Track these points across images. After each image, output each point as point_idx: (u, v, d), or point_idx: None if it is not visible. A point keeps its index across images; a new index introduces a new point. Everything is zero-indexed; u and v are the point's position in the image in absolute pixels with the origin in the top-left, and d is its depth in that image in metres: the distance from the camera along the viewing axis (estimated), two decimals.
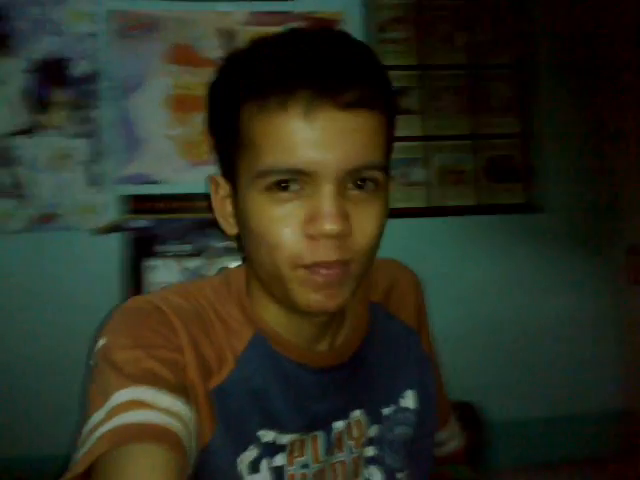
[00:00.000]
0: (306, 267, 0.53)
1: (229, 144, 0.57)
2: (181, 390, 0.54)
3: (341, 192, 0.53)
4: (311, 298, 0.55)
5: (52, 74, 1.81)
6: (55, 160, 1.80)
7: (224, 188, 0.60)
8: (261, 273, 0.58)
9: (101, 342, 0.56)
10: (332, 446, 0.65)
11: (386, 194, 0.57)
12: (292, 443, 0.61)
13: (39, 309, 1.75)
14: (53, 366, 1.71)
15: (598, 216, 2.04)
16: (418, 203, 1.94)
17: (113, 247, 1.80)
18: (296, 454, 0.62)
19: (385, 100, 0.56)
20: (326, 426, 0.64)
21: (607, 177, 2.04)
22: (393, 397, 0.70)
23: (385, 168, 0.56)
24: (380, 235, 0.56)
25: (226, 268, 0.67)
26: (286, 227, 0.53)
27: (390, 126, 0.58)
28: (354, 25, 1.92)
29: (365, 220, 0.54)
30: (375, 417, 0.68)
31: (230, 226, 0.61)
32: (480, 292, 1.96)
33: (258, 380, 0.61)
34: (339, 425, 0.65)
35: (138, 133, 1.84)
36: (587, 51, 2.04)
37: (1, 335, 1.75)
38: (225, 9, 1.90)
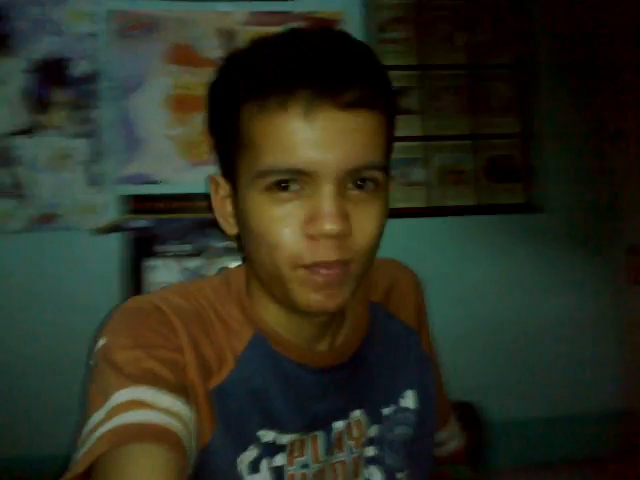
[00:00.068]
0: (306, 267, 0.54)
1: (229, 144, 0.57)
2: (181, 390, 0.54)
3: (341, 192, 0.53)
4: (311, 298, 0.55)
5: (52, 74, 1.81)
6: (55, 160, 1.80)
7: (224, 188, 0.60)
8: (261, 273, 0.58)
9: (101, 342, 0.56)
10: (332, 446, 0.65)
11: (386, 194, 0.57)
12: (292, 443, 0.61)
13: (39, 309, 1.75)
14: (53, 366, 1.71)
15: (598, 216, 2.04)
16: (418, 203, 1.94)
17: (113, 247, 1.80)
18: (296, 454, 0.62)
19: (385, 100, 0.56)
20: (326, 426, 0.64)
21: (607, 177, 2.04)
22: (393, 397, 0.70)
23: (385, 168, 0.56)
24: (380, 235, 0.56)
25: (226, 268, 0.67)
26: (286, 227, 0.53)
27: (390, 126, 0.58)
28: (354, 25, 1.92)
29: (365, 220, 0.54)
30: (375, 417, 0.68)
31: (230, 226, 0.61)
32: (480, 292, 1.96)
33: (258, 380, 0.61)
34: (339, 425, 0.65)
35: (138, 133, 1.84)
36: (587, 51, 2.04)
37: (1, 335, 1.75)
38: (225, 9, 1.90)
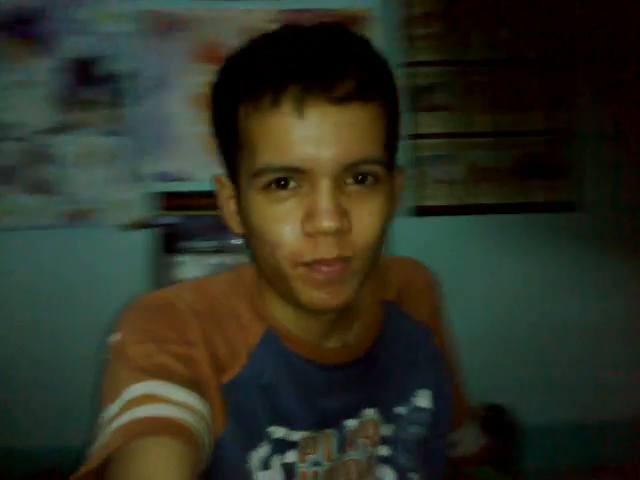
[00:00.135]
0: (306, 265, 0.53)
1: (230, 144, 0.57)
2: (195, 384, 0.54)
3: (339, 188, 0.52)
4: (313, 296, 0.55)
5: (84, 73, 1.84)
6: (87, 157, 1.84)
7: (228, 188, 0.61)
8: (265, 271, 0.58)
9: (114, 337, 0.57)
10: (345, 444, 0.64)
11: (388, 188, 0.56)
12: (304, 440, 0.61)
13: (70, 302, 1.79)
14: (85, 358, 1.74)
15: (635, 215, 1.97)
16: (447, 201, 1.90)
17: (143, 243, 1.82)
18: (308, 451, 0.62)
19: (383, 91, 0.55)
20: (338, 424, 0.64)
21: None
22: (407, 396, 0.70)
23: (385, 162, 0.55)
24: (383, 230, 0.55)
25: (239, 265, 0.67)
26: (285, 225, 0.53)
27: (391, 118, 0.57)
28: (383, 21, 1.90)
29: (365, 216, 0.54)
30: (388, 416, 0.67)
31: (236, 225, 0.61)
32: (511, 292, 1.92)
33: (269, 376, 0.61)
34: (351, 423, 0.65)
35: (168, 131, 1.86)
36: (625, 44, 1.97)
37: (33, 328, 1.79)
38: (253, 7, 1.90)
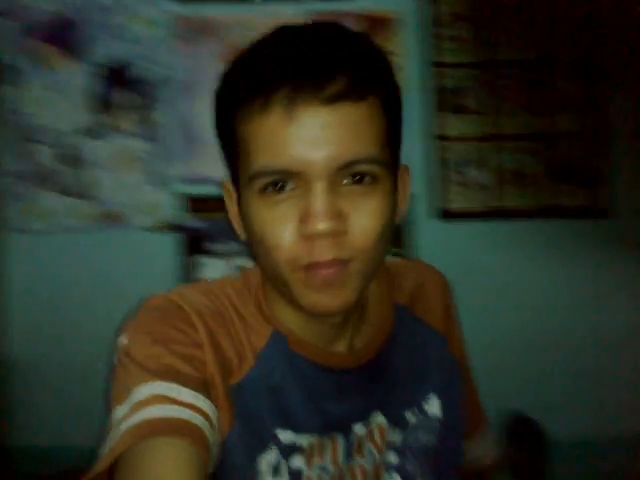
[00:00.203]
0: (304, 268, 0.53)
1: (230, 149, 0.57)
2: (203, 385, 0.55)
3: (335, 189, 0.51)
4: (313, 299, 0.54)
5: (116, 77, 1.88)
6: (118, 160, 1.88)
7: (232, 193, 0.61)
8: (267, 275, 0.58)
9: (122, 339, 0.58)
10: (352, 450, 0.63)
11: (389, 187, 0.55)
12: (311, 445, 0.61)
13: (99, 303, 1.83)
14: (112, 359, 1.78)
15: None
16: (475, 205, 1.87)
17: (171, 245, 1.85)
18: (315, 457, 0.61)
19: (380, 88, 0.54)
20: (345, 429, 0.63)
21: None
22: (417, 402, 0.68)
23: (384, 160, 0.54)
24: (384, 231, 0.54)
25: (247, 268, 0.67)
26: (282, 229, 0.52)
27: (390, 114, 0.56)
28: (412, 23, 1.89)
29: (363, 216, 0.52)
30: (397, 422, 0.66)
31: (240, 230, 0.61)
32: (540, 300, 1.88)
33: (276, 378, 0.60)
34: (359, 429, 0.64)
35: (197, 135, 1.88)
36: None
37: (63, 328, 1.84)
38: (283, 11, 1.91)
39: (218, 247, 1.84)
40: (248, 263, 1.83)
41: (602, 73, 1.90)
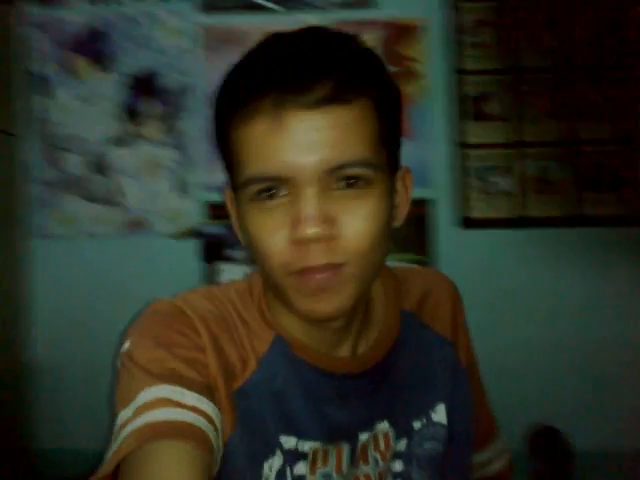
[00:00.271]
0: (297, 273, 0.53)
1: (226, 156, 0.58)
2: (206, 388, 0.55)
3: (326, 193, 0.51)
4: (306, 304, 0.54)
5: (144, 87, 1.92)
6: (145, 168, 1.91)
7: (233, 199, 0.61)
8: (265, 280, 0.59)
9: (126, 344, 0.58)
10: (356, 458, 0.63)
11: (384, 189, 0.55)
12: (314, 452, 0.61)
13: (124, 308, 1.84)
14: None
15: None
16: (500, 213, 1.84)
17: (193, 251, 1.88)
18: (319, 464, 0.61)
19: (371, 89, 0.53)
20: (351, 437, 0.63)
21: None
22: (423, 410, 0.68)
23: (376, 163, 0.53)
24: (378, 234, 0.54)
25: (251, 273, 0.68)
26: (274, 234, 0.53)
27: (384, 115, 0.55)
28: (437, 30, 1.88)
29: (356, 220, 0.52)
30: (403, 430, 0.66)
31: (241, 235, 0.62)
32: (568, 310, 1.83)
33: (278, 383, 0.60)
34: (365, 436, 0.63)
35: None
36: None
37: (90, 332, 1.87)
38: (309, 20, 1.92)
39: (238, 253, 1.86)
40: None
41: (628, 78, 1.86)
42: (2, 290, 1.81)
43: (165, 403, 0.52)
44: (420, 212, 1.84)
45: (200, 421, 0.52)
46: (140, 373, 0.54)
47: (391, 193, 0.57)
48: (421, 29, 1.90)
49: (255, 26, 1.92)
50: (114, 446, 0.51)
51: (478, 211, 1.83)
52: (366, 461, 0.64)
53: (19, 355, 1.86)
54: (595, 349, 1.81)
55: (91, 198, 1.92)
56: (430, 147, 1.87)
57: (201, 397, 0.54)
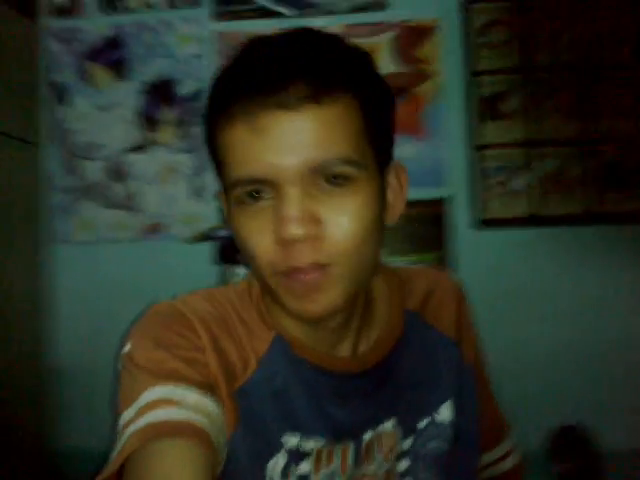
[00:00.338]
0: (284, 274, 0.53)
1: (215, 160, 0.58)
2: (207, 387, 0.55)
3: (309, 193, 0.51)
4: (296, 305, 0.54)
5: (161, 94, 1.95)
6: (162, 174, 1.94)
7: (225, 202, 0.62)
8: (259, 282, 0.59)
9: (127, 346, 0.59)
10: (361, 457, 0.62)
11: (370, 187, 0.54)
12: (318, 450, 0.60)
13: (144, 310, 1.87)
14: None
15: None
16: (519, 212, 1.83)
17: (209, 255, 1.88)
18: (323, 463, 0.60)
19: (351, 87, 0.53)
20: (355, 436, 0.62)
21: None
22: (428, 409, 0.67)
23: (359, 160, 0.52)
24: (365, 233, 0.53)
25: (250, 274, 0.68)
26: (260, 236, 0.53)
27: (369, 112, 0.54)
28: (451, 30, 1.88)
29: (341, 219, 0.52)
30: (409, 429, 0.65)
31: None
32: (586, 309, 1.81)
33: (279, 381, 0.60)
34: (369, 435, 0.63)
35: None
36: None
37: (110, 334, 1.88)
38: (322, 24, 1.94)
39: None
40: None
41: None
42: (25, 294, 1.84)
43: (167, 403, 0.52)
44: (437, 212, 1.84)
45: (202, 420, 0.52)
46: (141, 374, 0.55)
47: (380, 191, 0.57)
48: (435, 30, 1.90)
49: (269, 32, 1.93)
50: (118, 446, 0.51)
51: (495, 210, 1.82)
52: (371, 461, 0.63)
53: (43, 357, 1.89)
54: (616, 347, 1.79)
55: (110, 204, 1.95)
56: (446, 147, 1.87)
57: (202, 396, 0.54)
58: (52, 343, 1.93)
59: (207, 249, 1.89)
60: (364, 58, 0.57)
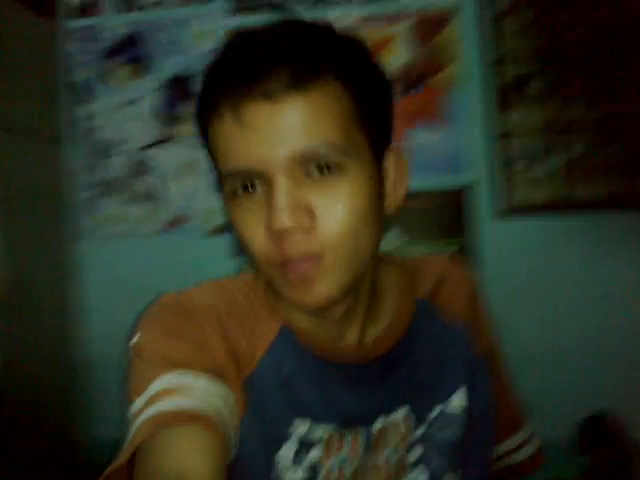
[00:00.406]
0: (279, 265, 0.53)
1: (209, 154, 0.58)
2: (216, 374, 0.55)
3: (299, 183, 0.51)
4: (294, 295, 0.54)
5: (179, 90, 1.96)
6: (182, 168, 1.96)
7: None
8: (259, 273, 0.60)
9: (135, 338, 0.59)
10: (374, 445, 0.62)
11: (362, 174, 0.53)
12: (328, 437, 0.60)
13: None
14: None
15: None
16: (544, 198, 1.79)
17: (227, 247, 1.90)
18: (333, 449, 0.60)
19: (336, 73, 0.52)
20: (366, 423, 0.62)
21: None
22: (440, 397, 0.67)
23: (347, 147, 0.52)
24: (359, 220, 0.53)
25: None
26: (254, 228, 0.53)
27: (357, 98, 0.53)
28: (470, 16, 1.85)
29: (332, 208, 0.51)
30: (421, 418, 0.65)
31: None
32: (617, 296, 1.75)
33: (287, 370, 0.60)
34: (380, 423, 0.63)
35: None
36: None
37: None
38: (338, 14, 1.93)
39: None
40: None
41: None
42: (54, 291, 1.88)
43: (176, 391, 0.52)
44: (458, 201, 1.82)
45: (212, 407, 0.52)
46: (150, 364, 0.55)
47: (375, 177, 0.56)
48: (453, 16, 1.87)
49: None
50: (128, 436, 0.52)
51: (518, 198, 1.79)
52: (383, 449, 0.63)
53: (70, 352, 1.93)
54: None
55: (132, 199, 1.98)
56: (468, 134, 1.84)
57: (212, 382, 0.54)
58: (79, 337, 1.96)
59: (226, 242, 1.91)
60: (354, 43, 0.57)
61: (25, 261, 1.71)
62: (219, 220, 1.93)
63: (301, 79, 0.50)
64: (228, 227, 1.88)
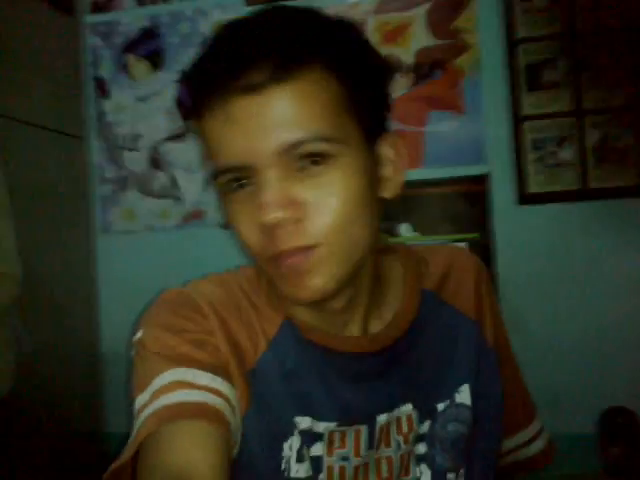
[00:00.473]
0: (272, 259, 0.53)
1: (203, 151, 0.58)
2: (219, 369, 0.56)
3: (288, 175, 0.50)
4: (288, 289, 0.54)
5: None
6: (198, 162, 1.97)
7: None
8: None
9: (139, 333, 0.60)
10: (376, 440, 0.62)
11: (354, 162, 0.52)
12: (331, 433, 0.60)
13: None
14: None
15: None
16: (569, 186, 1.74)
17: None
18: (336, 445, 0.60)
19: (323, 61, 0.51)
20: (369, 418, 0.62)
21: None
22: (447, 391, 0.66)
23: (336, 135, 0.51)
24: (350, 210, 0.52)
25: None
26: (247, 223, 0.53)
27: (347, 85, 0.52)
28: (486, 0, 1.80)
29: (322, 198, 0.51)
30: (427, 412, 0.64)
31: None
32: (637, 285, 1.70)
33: (290, 363, 0.61)
34: (384, 418, 0.62)
35: None
36: None
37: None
38: (354, 1, 1.90)
39: None
40: None
41: None
42: (78, 284, 1.93)
43: (180, 385, 0.53)
44: (478, 189, 1.78)
45: (215, 400, 0.53)
46: (153, 359, 0.56)
47: (369, 165, 0.55)
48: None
49: None
50: (134, 430, 0.53)
51: (537, 185, 1.74)
52: (388, 443, 0.62)
53: (93, 345, 1.98)
54: None
55: (152, 193, 2.00)
56: (485, 121, 1.80)
57: (214, 377, 0.55)
58: (98, 332, 2.00)
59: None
60: (342, 28, 0.55)
61: (45, 256, 1.73)
62: None
63: (285, 69, 0.49)
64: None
